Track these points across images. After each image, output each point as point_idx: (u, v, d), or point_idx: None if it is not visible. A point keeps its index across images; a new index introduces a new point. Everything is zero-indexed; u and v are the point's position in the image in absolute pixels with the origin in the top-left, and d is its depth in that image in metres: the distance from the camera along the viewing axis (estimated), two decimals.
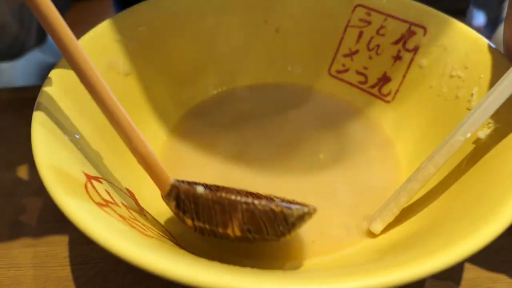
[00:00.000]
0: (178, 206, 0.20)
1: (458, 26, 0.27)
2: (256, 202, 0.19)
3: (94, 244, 0.16)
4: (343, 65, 0.33)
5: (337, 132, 0.31)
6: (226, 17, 0.32)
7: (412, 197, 0.23)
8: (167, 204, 0.21)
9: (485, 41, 0.26)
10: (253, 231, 0.19)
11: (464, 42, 0.27)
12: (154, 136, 0.29)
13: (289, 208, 0.19)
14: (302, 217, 0.19)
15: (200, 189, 0.19)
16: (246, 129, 0.31)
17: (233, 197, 0.19)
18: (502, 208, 0.17)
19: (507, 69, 0.22)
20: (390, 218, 0.23)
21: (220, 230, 0.19)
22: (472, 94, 0.25)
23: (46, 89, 0.22)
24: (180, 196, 0.20)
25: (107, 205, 0.19)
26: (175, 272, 0.15)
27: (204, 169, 0.28)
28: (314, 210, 0.20)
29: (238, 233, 0.19)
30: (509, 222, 0.17)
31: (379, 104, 0.31)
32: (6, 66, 0.44)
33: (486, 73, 0.25)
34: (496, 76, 0.24)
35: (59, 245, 0.27)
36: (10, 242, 0.27)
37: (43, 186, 0.18)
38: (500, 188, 0.19)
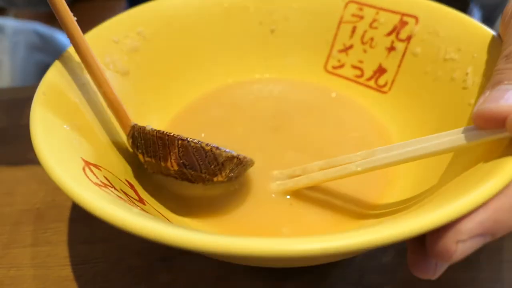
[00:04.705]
0: (133, 143, 0.24)
1: (448, 11, 0.28)
2: (189, 139, 0.22)
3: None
4: (339, 60, 0.33)
5: (335, 128, 0.31)
6: (222, 19, 0.33)
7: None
8: (128, 143, 0.24)
9: (475, 22, 0.26)
10: (188, 166, 0.22)
11: (455, 25, 0.27)
12: None
13: (218, 148, 0.22)
14: (231, 159, 0.22)
15: (148, 127, 0.23)
16: (241, 125, 0.31)
17: (172, 133, 0.22)
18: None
19: (498, 46, 0.22)
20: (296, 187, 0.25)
21: (163, 164, 0.22)
22: (467, 73, 0.25)
23: (47, 79, 0.23)
24: (135, 134, 0.23)
25: (105, 187, 0.19)
26: (171, 236, 0.15)
27: None
28: (249, 160, 0.23)
29: (175, 167, 0.22)
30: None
31: (376, 96, 0.31)
32: (6, 66, 0.45)
33: (479, 52, 0.25)
34: (488, 53, 0.24)
35: (59, 245, 0.26)
36: (10, 242, 0.27)
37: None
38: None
